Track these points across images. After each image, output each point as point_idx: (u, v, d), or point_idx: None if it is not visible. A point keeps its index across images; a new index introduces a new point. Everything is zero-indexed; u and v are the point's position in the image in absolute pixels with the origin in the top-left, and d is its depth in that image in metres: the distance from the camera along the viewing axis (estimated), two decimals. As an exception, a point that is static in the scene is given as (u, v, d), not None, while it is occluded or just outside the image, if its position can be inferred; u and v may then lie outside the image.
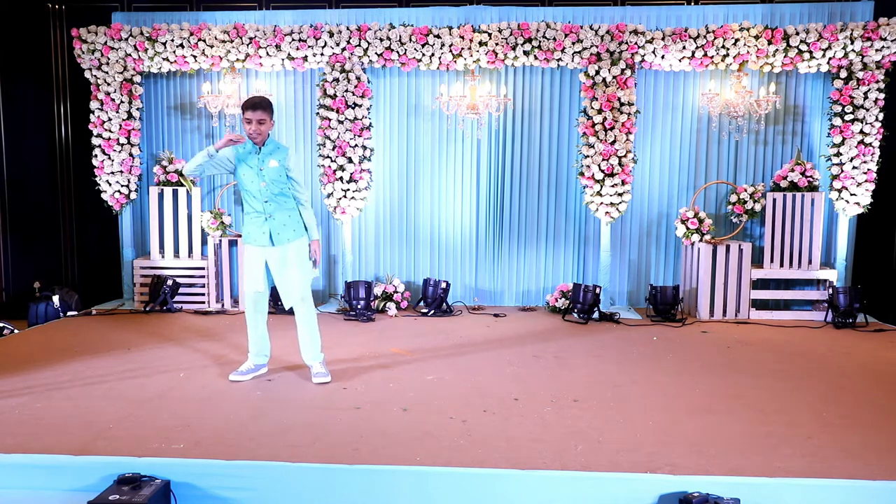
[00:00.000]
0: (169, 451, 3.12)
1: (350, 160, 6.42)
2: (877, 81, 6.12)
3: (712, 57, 6.22)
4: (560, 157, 6.75)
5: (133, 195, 6.71)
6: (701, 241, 6.34)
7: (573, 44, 6.21)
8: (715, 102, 6.38)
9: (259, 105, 4.06)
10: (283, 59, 6.44)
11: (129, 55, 6.46)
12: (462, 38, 6.23)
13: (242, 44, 6.34)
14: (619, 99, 6.20)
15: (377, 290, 6.48)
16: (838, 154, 6.26)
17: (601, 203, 6.38)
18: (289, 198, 4.22)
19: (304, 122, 6.88)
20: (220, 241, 6.58)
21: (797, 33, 6.08)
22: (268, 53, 6.36)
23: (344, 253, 6.73)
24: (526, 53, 6.29)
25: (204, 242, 6.80)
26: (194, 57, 6.44)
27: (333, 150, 6.42)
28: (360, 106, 6.41)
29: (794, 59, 6.17)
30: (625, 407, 3.84)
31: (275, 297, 6.38)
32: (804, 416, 3.72)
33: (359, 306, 6.14)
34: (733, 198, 6.49)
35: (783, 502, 2.86)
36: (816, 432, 3.46)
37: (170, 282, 6.44)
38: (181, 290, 6.57)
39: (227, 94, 6.51)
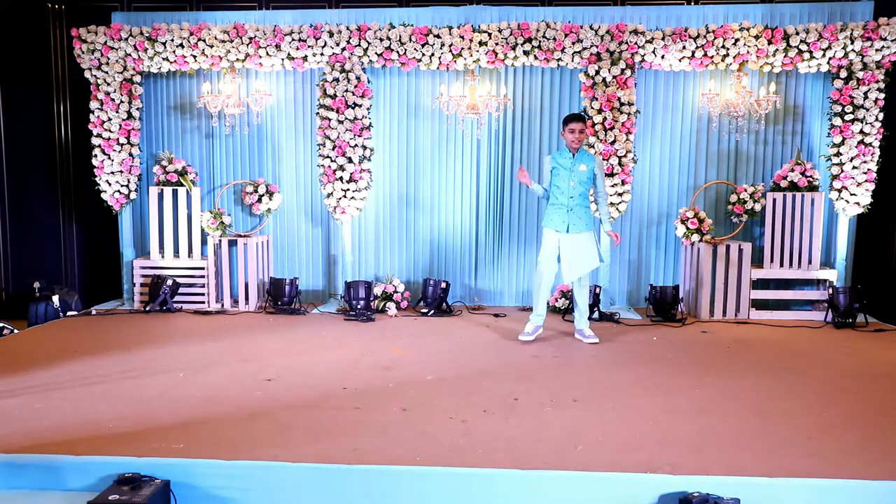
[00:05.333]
0: (169, 451, 3.11)
1: (350, 160, 6.41)
2: (877, 81, 6.11)
3: (712, 57, 6.21)
4: (560, 157, 6.75)
5: (133, 195, 6.71)
6: (701, 241, 6.34)
7: (573, 44, 6.20)
8: (715, 102, 6.38)
9: (578, 119, 5.18)
10: (282, 59, 6.44)
11: (129, 55, 6.45)
12: (462, 38, 6.23)
13: (242, 44, 6.34)
14: (619, 99, 6.20)
15: (377, 290, 6.48)
16: (838, 154, 6.25)
17: (601, 203, 6.37)
18: (587, 198, 5.26)
19: (303, 122, 6.88)
20: (220, 241, 6.58)
21: (797, 33, 6.08)
22: (268, 53, 6.36)
23: (344, 253, 6.73)
24: (526, 53, 6.29)
25: (204, 242, 6.80)
26: (194, 57, 6.44)
27: (333, 149, 6.42)
28: (360, 106, 6.40)
29: (794, 59, 6.17)
30: (625, 407, 3.84)
31: (275, 297, 6.41)
32: (804, 416, 3.72)
33: (359, 306, 6.14)
34: (733, 198, 6.49)
35: (783, 502, 2.86)
36: (816, 432, 3.46)
37: (169, 282, 6.44)
38: (181, 290, 6.57)
39: (227, 94, 6.50)
